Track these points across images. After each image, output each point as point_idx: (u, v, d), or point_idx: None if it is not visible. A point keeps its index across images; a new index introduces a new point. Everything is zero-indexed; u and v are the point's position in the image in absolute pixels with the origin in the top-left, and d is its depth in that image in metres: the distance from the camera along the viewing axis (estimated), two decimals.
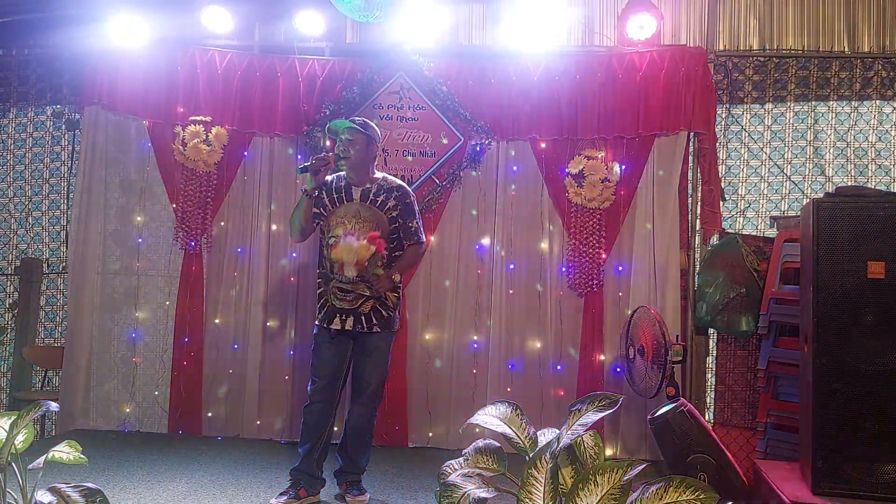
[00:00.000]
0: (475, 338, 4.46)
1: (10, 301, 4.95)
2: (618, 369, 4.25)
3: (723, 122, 4.44)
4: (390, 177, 3.49)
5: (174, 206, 4.61)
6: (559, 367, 4.38)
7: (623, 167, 4.35)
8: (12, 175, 4.94)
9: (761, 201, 4.48)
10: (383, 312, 3.32)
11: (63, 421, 4.52)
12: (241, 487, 3.51)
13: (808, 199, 3.89)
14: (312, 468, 3.33)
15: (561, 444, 1.76)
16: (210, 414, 4.55)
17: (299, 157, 4.53)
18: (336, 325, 3.29)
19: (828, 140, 4.42)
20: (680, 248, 4.33)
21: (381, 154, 4.36)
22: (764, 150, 4.46)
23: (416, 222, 3.41)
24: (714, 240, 4.35)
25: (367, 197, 3.32)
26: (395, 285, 3.34)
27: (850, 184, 4.27)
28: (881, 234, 2.85)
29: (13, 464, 2.19)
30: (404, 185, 3.46)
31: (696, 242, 4.42)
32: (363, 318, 3.28)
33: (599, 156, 4.32)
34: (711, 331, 4.37)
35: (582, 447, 1.94)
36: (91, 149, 4.61)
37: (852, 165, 4.39)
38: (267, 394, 4.52)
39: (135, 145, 4.68)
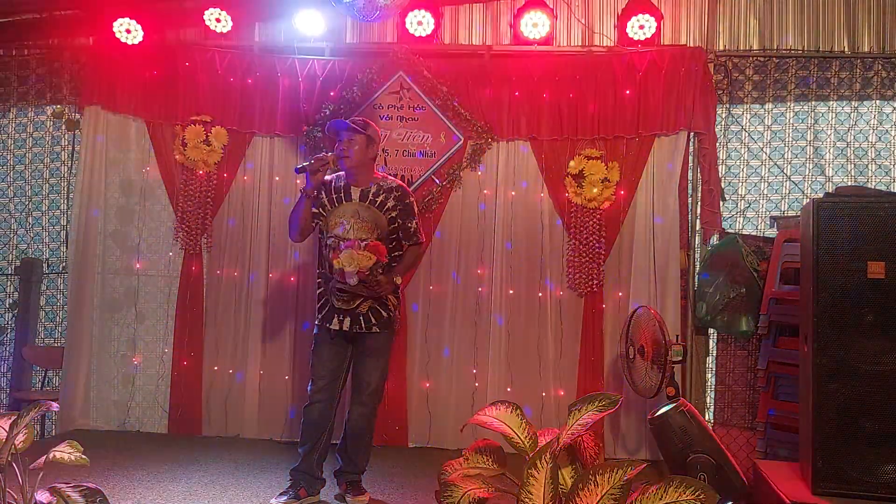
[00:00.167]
0: (475, 338, 4.46)
1: (10, 301, 4.95)
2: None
3: (723, 122, 4.43)
4: (390, 177, 3.49)
5: (174, 206, 4.61)
6: (559, 367, 4.38)
7: (623, 167, 4.35)
8: (12, 175, 4.93)
9: (761, 201, 4.47)
10: (382, 313, 3.32)
11: (63, 421, 4.51)
12: (241, 487, 3.51)
13: (808, 199, 3.89)
14: (312, 468, 3.33)
15: (561, 444, 1.76)
16: (210, 414, 4.55)
17: (299, 157, 4.53)
18: (335, 325, 3.28)
19: (828, 140, 4.42)
20: (680, 248, 4.33)
21: (381, 154, 4.36)
22: (764, 150, 4.46)
23: (416, 223, 3.41)
24: (714, 240, 4.35)
25: (367, 197, 3.31)
26: (395, 287, 3.34)
27: (850, 184, 4.27)
28: (881, 234, 2.85)
29: (13, 464, 2.19)
30: (404, 185, 3.46)
31: (696, 242, 4.42)
32: (361, 318, 3.28)
33: (599, 156, 4.32)
34: (711, 331, 4.37)
35: (582, 447, 1.94)
36: (91, 149, 4.61)
37: (852, 165, 4.39)
38: (267, 394, 4.53)
39: (135, 145, 4.68)
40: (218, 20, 4.53)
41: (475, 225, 4.50)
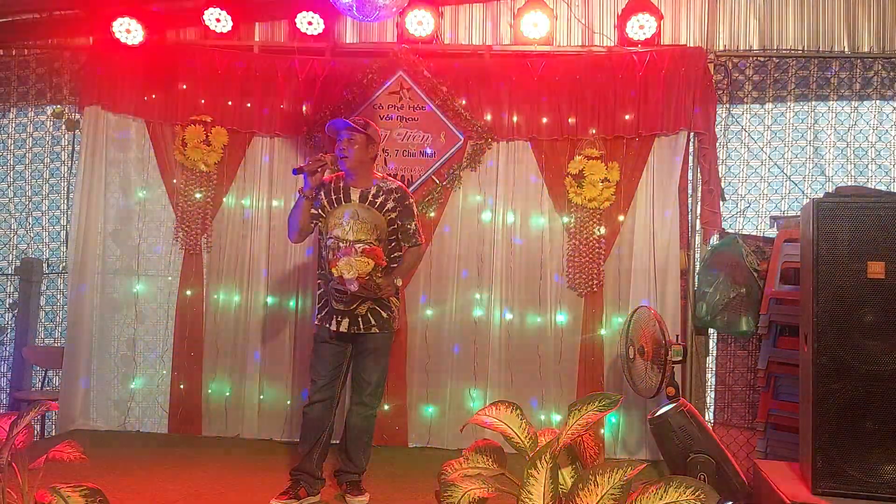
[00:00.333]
0: (475, 337, 4.46)
1: (10, 301, 4.95)
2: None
3: (723, 122, 4.44)
4: (390, 178, 3.49)
5: (174, 206, 4.61)
6: (559, 367, 4.38)
7: (623, 167, 4.35)
8: (12, 175, 4.94)
9: (761, 201, 4.48)
10: (383, 314, 3.32)
11: (63, 421, 4.51)
12: (242, 488, 3.50)
13: (808, 199, 3.89)
14: (312, 468, 3.33)
15: (561, 444, 1.76)
16: (210, 414, 4.55)
17: (299, 157, 4.53)
18: (334, 326, 3.28)
19: (828, 140, 4.42)
20: (680, 248, 4.33)
21: (382, 154, 4.35)
22: (764, 150, 4.46)
23: (415, 224, 3.40)
24: (714, 240, 4.35)
25: (366, 198, 3.31)
26: (396, 289, 3.34)
27: (850, 184, 4.27)
28: (881, 234, 2.84)
29: (13, 464, 2.19)
30: (403, 186, 3.45)
31: (696, 242, 4.42)
32: (360, 319, 3.28)
33: (599, 156, 4.32)
34: (711, 331, 4.37)
35: (582, 447, 1.94)
36: (91, 149, 4.61)
37: (852, 165, 4.39)
38: (267, 394, 4.52)
39: (135, 145, 4.68)
40: (218, 20, 4.54)
41: (475, 225, 4.49)
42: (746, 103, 4.46)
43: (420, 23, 4.42)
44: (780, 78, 4.42)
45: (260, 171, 4.61)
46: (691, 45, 4.44)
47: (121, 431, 4.53)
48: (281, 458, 3.97)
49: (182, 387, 4.55)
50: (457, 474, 1.92)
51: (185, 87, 4.58)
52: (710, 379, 4.38)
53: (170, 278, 4.63)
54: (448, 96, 4.44)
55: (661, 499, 1.63)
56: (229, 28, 4.57)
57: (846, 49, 4.40)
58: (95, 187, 4.61)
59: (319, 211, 3.35)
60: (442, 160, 4.48)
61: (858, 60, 4.38)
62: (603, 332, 4.36)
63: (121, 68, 4.59)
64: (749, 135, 4.46)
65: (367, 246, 3.17)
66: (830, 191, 3.77)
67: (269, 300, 4.56)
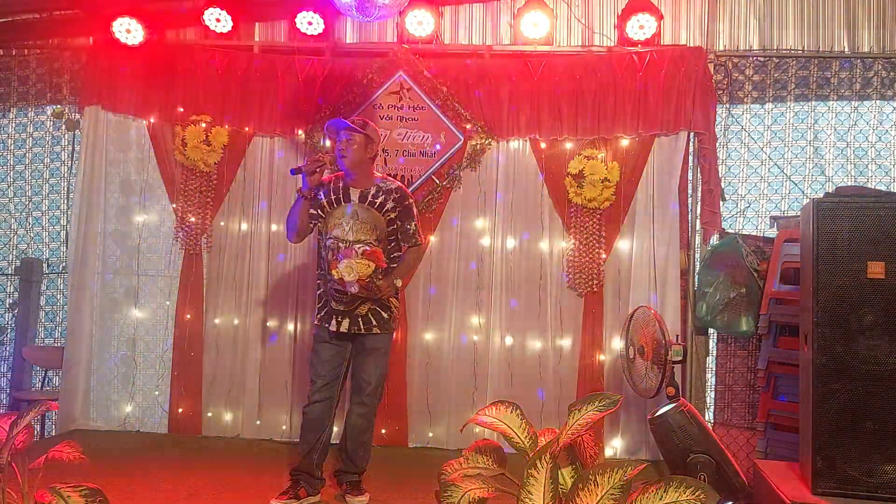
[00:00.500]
0: (475, 338, 4.46)
1: (10, 301, 4.95)
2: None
3: (723, 122, 4.43)
4: (389, 178, 3.49)
5: (174, 206, 4.61)
6: (559, 368, 4.38)
7: (623, 167, 4.35)
8: (12, 175, 4.94)
9: (761, 201, 4.48)
10: (382, 314, 3.32)
11: (63, 421, 4.51)
12: (242, 488, 3.50)
13: (808, 199, 3.89)
14: (312, 468, 3.32)
15: (561, 444, 1.76)
16: (210, 414, 4.55)
17: (299, 157, 4.53)
18: (334, 326, 3.28)
19: (828, 140, 4.42)
20: (680, 248, 4.33)
21: (381, 154, 4.36)
22: (764, 150, 4.46)
23: (415, 224, 3.40)
24: (714, 240, 4.35)
25: (366, 198, 3.30)
26: (396, 290, 3.34)
27: (850, 184, 4.27)
28: (881, 234, 2.84)
29: (13, 464, 2.19)
30: (403, 187, 3.45)
31: (696, 242, 4.42)
32: (360, 319, 3.28)
33: (599, 156, 4.32)
34: (711, 331, 4.36)
35: (582, 447, 1.94)
36: (91, 149, 4.61)
37: (852, 165, 4.39)
38: (267, 394, 4.52)
39: (135, 145, 4.68)
40: (218, 20, 4.54)
41: (475, 225, 4.49)
42: (746, 103, 4.46)
43: (420, 23, 4.42)
44: (780, 78, 4.42)
45: (260, 171, 4.61)
46: (691, 45, 4.44)
47: (121, 431, 4.53)
48: (281, 458, 3.97)
49: (182, 387, 4.54)
50: (457, 474, 1.92)
51: (185, 87, 4.58)
52: (710, 379, 4.38)
53: (170, 278, 4.63)
54: (448, 96, 4.44)
55: (661, 499, 1.62)
56: (229, 28, 4.57)
57: (846, 49, 4.40)
58: (95, 187, 4.61)
59: (319, 211, 3.35)
60: (442, 160, 4.48)
61: (858, 60, 4.38)
62: (603, 332, 4.36)
63: (121, 68, 4.59)
64: (749, 135, 4.46)
65: (367, 247, 3.16)
66: (830, 191, 3.77)
67: (270, 300, 4.56)
